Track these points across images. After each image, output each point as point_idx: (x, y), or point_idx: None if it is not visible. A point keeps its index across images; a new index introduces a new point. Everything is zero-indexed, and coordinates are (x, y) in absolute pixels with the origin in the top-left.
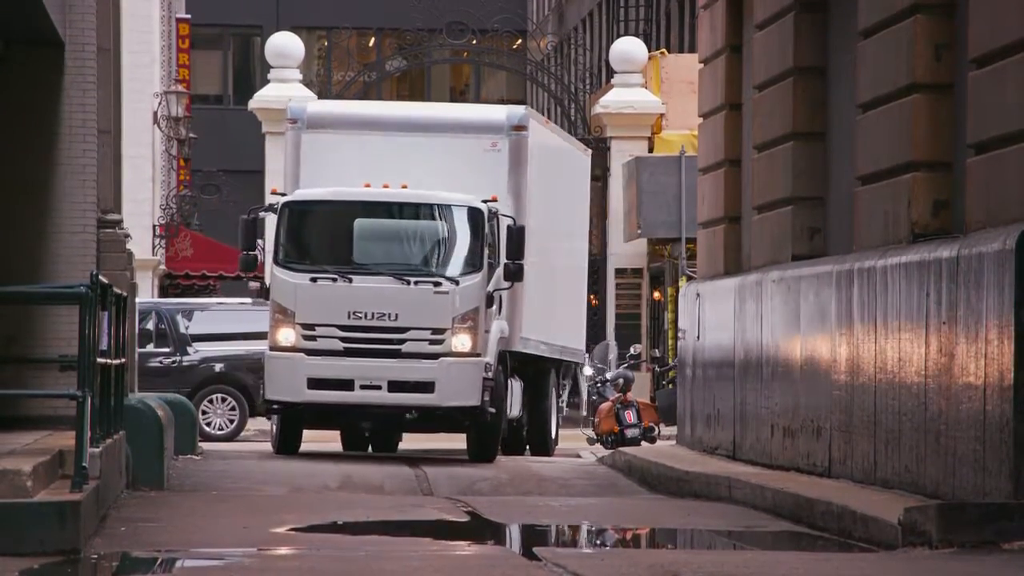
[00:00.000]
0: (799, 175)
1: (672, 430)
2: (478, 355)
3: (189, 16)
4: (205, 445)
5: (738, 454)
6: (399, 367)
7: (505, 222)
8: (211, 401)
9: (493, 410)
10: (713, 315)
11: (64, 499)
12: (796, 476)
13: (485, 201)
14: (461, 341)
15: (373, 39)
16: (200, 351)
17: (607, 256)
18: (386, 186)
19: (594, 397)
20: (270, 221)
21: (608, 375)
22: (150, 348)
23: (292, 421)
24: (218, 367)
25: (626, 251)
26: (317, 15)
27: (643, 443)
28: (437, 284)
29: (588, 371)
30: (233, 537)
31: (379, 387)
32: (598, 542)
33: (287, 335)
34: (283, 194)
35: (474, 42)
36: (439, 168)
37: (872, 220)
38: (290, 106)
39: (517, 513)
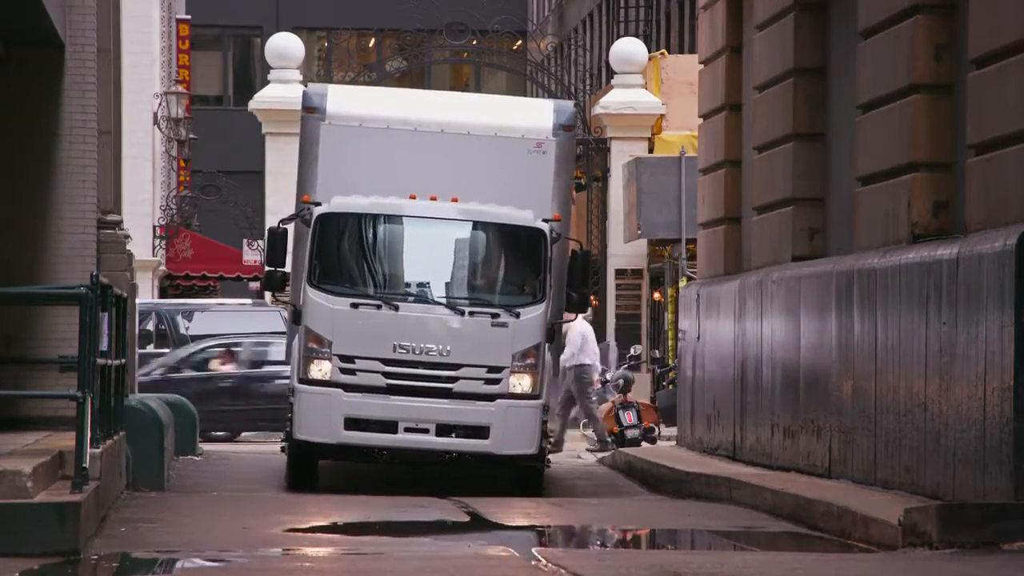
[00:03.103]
0: (799, 176)
1: (672, 431)
2: (537, 397)
3: (189, 17)
4: (205, 446)
5: (738, 455)
6: (450, 409)
7: (570, 246)
8: None
9: (550, 457)
10: (713, 316)
11: (64, 500)
12: (796, 477)
13: (546, 220)
14: (520, 381)
15: (373, 39)
16: None
17: (607, 256)
18: (433, 198)
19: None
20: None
21: (608, 376)
22: (150, 349)
23: (307, 456)
24: None
25: (626, 251)
26: (317, 15)
27: (643, 444)
28: (495, 316)
29: None
30: (233, 538)
31: (426, 430)
32: (598, 542)
33: (322, 367)
34: (316, 203)
35: (474, 42)
36: (477, 172)
37: (872, 220)
38: (307, 91)
39: (517, 513)
